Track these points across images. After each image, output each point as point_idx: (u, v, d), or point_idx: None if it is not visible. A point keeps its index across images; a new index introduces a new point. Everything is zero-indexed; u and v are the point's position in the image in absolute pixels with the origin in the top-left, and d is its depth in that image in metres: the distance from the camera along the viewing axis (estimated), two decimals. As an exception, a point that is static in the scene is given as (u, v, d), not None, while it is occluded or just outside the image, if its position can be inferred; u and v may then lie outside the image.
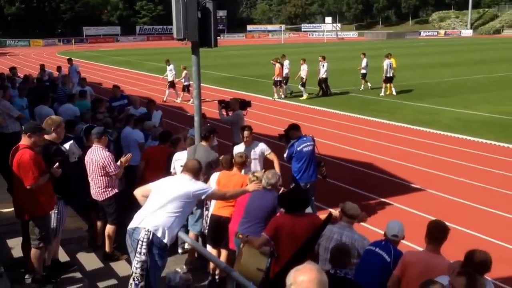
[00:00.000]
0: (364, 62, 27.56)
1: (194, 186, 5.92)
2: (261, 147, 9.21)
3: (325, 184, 9.83)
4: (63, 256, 7.54)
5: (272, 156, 9.21)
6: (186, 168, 6.15)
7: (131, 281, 5.60)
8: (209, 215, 7.72)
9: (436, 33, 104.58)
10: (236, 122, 11.40)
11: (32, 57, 58.16)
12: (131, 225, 5.77)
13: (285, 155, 9.52)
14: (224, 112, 11.90)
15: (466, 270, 4.40)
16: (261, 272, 5.71)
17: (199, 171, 6.19)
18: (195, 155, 8.12)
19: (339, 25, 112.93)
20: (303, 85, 25.39)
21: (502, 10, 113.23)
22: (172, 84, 25.21)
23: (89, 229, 8.74)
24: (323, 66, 25.60)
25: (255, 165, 8.99)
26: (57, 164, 6.46)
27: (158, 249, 5.60)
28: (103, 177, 7.76)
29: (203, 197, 6.05)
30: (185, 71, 24.61)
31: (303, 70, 25.27)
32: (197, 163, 6.27)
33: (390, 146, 15.71)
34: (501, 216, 10.31)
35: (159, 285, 5.85)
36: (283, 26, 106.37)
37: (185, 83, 24.64)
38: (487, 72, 33.99)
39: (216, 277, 7.43)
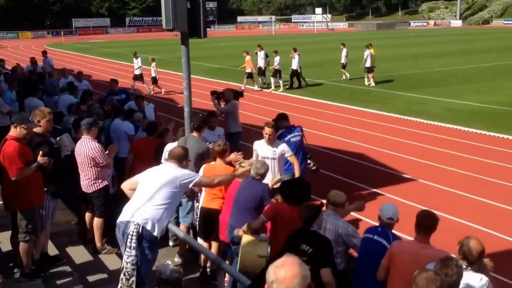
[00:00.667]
0: (344, 52, 27.74)
1: (180, 173, 5.80)
2: (282, 147, 8.50)
3: (316, 174, 9.78)
4: (52, 250, 7.48)
5: (293, 159, 8.62)
6: (170, 156, 6.07)
7: (121, 275, 5.55)
8: (198, 207, 7.67)
9: (425, 24, 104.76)
10: (232, 112, 11.75)
11: (21, 49, 57.66)
12: (120, 219, 5.70)
13: None
14: (222, 103, 12.07)
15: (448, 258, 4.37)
16: (263, 259, 5.65)
17: (184, 158, 6.04)
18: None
19: (329, 16, 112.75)
20: (278, 76, 25.26)
21: (491, 1, 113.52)
22: (139, 77, 24.91)
23: (79, 222, 8.67)
24: (294, 58, 25.46)
25: (273, 166, 8.29)
26: (40, 153, 6.37)
27: (148, 242, 5.55)
28: (93, 168, 7.68)
29: (190, 185, 5.90)
30: (153, 63, 24.46)
31: (276, 62, 25.08)
32: (181, 149, 6.18)
33: (381, 137, 15.71)
34: (492, 205, 10.34)
35: (149, 278, 5.81)
36: (274, 17, 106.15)
37: (153, 75, 24.54)
38: (477, 62, 34.07)
39: (208, 269, 7.40)
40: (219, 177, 6.33)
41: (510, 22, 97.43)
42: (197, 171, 7.61)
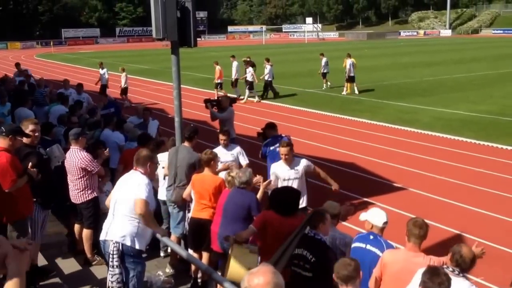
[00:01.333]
0: (323, 62, 27.87)
1: (140, 192, 5.62)
2: (303, 163, 8.04)
3: (306, 184, 9.76)
4: (42, 262, 7.41)
5: (318, 170, 8.40)
6: (135, 162, 5.95)
7: None
8: (188, 218, 7.64)
9: (415, 33, 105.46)
10: (230, 119, 11.98)
11: (10, 60, 57.38)
12: (101, 237, 5.68)
13: (260, 154, 9.53)
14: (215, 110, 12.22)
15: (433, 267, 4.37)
16: None
17: (148, 160, 5.89)
18: (177, 157, 8.04)
19: (319, 25, 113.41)
20: (250, 87, 25.20)
21: (480, 10, 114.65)
22: (104, 88, 24.35)
23: (68, 234, 8.60)
24: (266, 68, 25.39)
25: (301, 186, 7.84)
26: (30, 164, 6.32)
27: (132, 257, 5.51)
28: (82, 179, 7.65)
29: (138, 196, 5.62)
30: (124, 73, 24.32)
31: (249, 73, 25.10)
32: (144, 152, 6.07)
33: (371, 146, 15.75)
34: (481, 213, 10.37)
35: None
36: (264, 27, 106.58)
37: (124, 86, 24.38)
38: (466, 72, 34.30)
39: (199, 280, 7.36)
40: (149, 219, 5.76)
41: (499, 31, 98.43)
42: (189, 181, 7.61)
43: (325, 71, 28.02)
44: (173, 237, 7.97)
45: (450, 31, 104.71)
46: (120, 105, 13.83)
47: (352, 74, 26.07)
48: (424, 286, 4.15)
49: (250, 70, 25.10)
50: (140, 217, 5.64)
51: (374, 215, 5.67)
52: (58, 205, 8.13)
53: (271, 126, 9.62)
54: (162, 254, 8.43)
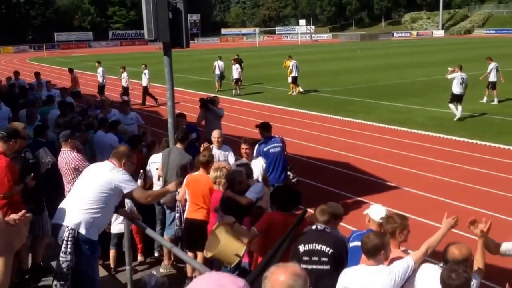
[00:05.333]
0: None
1: (116, 176, 5.55)
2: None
3: (300, 184, 9.79)
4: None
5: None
6: (112, 154, 5.89)
7: (55, 282, 5.42)
8: (183, 218, 7.63)
9: (408, 34, 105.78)
10: (221, 117, 12.26)
11: (2, 64, 57.23)
12: (54, 220, 5.56)
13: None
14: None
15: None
16: (237, 257, 5.67)
17: (124, 157, 5.79)
18: (169, 158, 8.05)
19: (313, 27, 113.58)
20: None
21: (472, 11, 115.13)
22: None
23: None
24: (145, 74, 25.07)
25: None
26: (31, 175, 6.30)
27: (88, 244, 5.44)
28: (76, 179, 7.61)
29: (125, 191, 5.59)
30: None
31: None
32: (124, 148, 6.02)
33: (365, 146, 15.78)
34: (475, 211, 10.39)
35: (98, 275, 5.78)
36: (257, 29, 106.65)
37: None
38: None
39: (193, 279, 7.34)
40: (151, 194, 6.12)
41: (491, 32, 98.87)
42: (182, 183, 7.60)
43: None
44: (165, 237, 7.96)
45: (443, 31, 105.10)
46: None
47: (295, 75, 26.55)
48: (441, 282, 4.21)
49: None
50: (151, 201, 5.96)
51: (373, 210, 5.69)
52: (52, 207, 8.09)
53: (265, 127, 9.61)
54: (156, 254, 8.44)
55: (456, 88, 19.32)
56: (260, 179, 8.02)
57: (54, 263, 7.66)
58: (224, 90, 28.43)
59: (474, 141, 15.78)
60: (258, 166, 8.32)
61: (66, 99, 15.75)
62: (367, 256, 4.68)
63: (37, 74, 20.55)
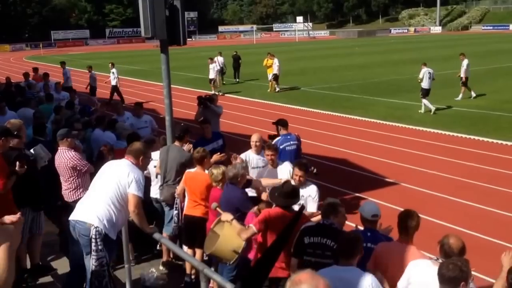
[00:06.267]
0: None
1: (135, 173, 5.54)
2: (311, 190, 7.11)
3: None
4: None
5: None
6: (127, 151, 5.87)
7: (92, 279, 5.44)
8: (181, 215, 7.63)
9: (406, 31, 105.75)
10: (219, 115, 12.12)
11: (-1, 62, 57.18)
12: (76, 217, 5.56)
13: None
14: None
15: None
16: (236, 254, 5.68)
17: (141, 154, 5.76)
18: (167, 156, 8.05)
19: (310, 24, 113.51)
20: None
21: (470, 7, 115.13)
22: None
23: (60, 233, 8.58)
24: (113, 73, 24.76)
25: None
26: (18, 163, 6.27)
27: (109, 244, 5.49)
28: (73, 178, 7.64)
29: (128, 190, 5.51)
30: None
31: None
32: (140, 145, 5.98)
33: (363, 142, 15.80)
34: (473, 206, 10.44)
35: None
36: (255, 26, 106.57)
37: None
38: (456, 68, 34.09)
39: (192, 276, 7.36)
40: (140, 214, 5.64)
41: (488, 27, 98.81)
42: (180, 180, 7.62)
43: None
44: (164, 235, 7.97)
45: (440, 28, 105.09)
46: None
47: (276, 73, 26.59)
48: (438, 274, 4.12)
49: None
50: (134, 215, 5.58)
51: (364, 207, 5.71)
52: (49, 205, 8.11)
53: (283, 124, 9.56)
54: (155, 251, 8.44)
55: (426, 83, 20.13)
56: None
57: (54, 263, 7.72)
58: (226, 85, 28.75)
59: (472, 137, 15.80)
60: (285, 172, 7.78)
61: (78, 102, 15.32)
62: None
63: (45, 75, 20.19)
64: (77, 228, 5.53)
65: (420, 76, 20.49)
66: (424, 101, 20.04)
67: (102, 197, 5.50)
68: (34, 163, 7.21)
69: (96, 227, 5.37)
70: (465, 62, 22.99)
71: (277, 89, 27.02)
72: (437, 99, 22.38)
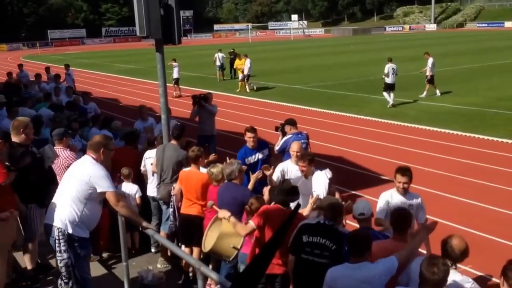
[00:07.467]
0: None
1: (93, 171, 5.46)
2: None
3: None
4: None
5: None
6: (88, 146, 5.80)
7: (59, 281, 5.51)
8: (177, 214, 7.66)
9: (401, 28, 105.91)
10: (215, 114, 12.24)
11: (-5, 62, 57.02)
12: (45, 220, 5.63)
13: (277, 147, 9.37)
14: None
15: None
16: (235, 250, 5.71)
17: (101, 147, 5.65)
18: (164, 154, 8.08)
19: (305, 22, 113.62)
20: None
21: (464, 4, 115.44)
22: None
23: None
24: (69, 75, 24.50)
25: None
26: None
27: (78, 242, 5.48)
28: (66, 178, 7.64)
29: (98, 190, 5.46)
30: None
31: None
32: (99, 137, 5.90)
33: (359, 140, 15.84)
34: (469, 203, 10.49)
35: (89, 274, 5.82)
36: (250, 25, 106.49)
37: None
38: (451, 65, 34.50)
39: (190, 274, 7.39)
40: (125, 205, 5.75)
41: (483, 25, 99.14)
42: (176, 178, 7.65)
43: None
44: (162, 233, 8.01)
45: (435, 25, 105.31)
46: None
47: (249, 73, 26.78)
48: (420, 275, 4.14)
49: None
50: (118, 209, 5.58)
51: (354, 206, 5.76)
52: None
53: (291, 123, 9.58)
54: (153, 250, 8.49)
55: (389, 78, 21.07)
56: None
57: (52, 261, 7.73)
58: (226, 80, 29.71)
59: (467, 134, 15.86)
60: (321, 183, 7.42)
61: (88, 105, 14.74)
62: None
63: (57, 77, 19.87)
64: (47, 231, 5.58)
65: (385, 71, 21.25)
66: (385, 94, 21.11)
67: (64, 197, 5.51)
68: (40, 161, 7.22)
69: (58, 228, 5.39)
70: (430, 61, 23.49)
71: (252, 87, 27.15)
72: (433, 97, 22.51)
